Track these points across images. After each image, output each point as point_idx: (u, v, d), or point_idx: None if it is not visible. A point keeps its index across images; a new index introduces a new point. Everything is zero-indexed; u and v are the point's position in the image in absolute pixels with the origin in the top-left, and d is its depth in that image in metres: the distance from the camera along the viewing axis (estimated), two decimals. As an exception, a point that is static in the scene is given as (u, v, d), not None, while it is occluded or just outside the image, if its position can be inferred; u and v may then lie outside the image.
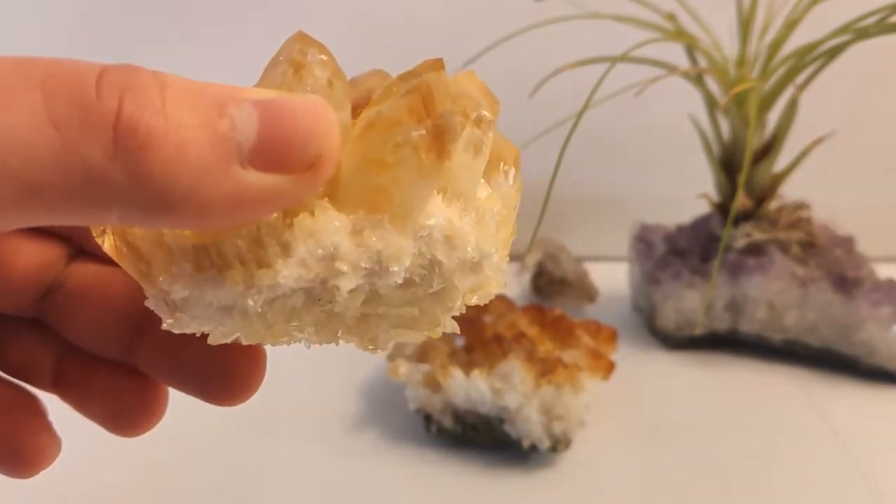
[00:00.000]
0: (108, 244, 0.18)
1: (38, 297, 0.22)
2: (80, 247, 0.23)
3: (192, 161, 0.14)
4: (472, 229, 0.18)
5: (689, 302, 0.49)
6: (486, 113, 0.18)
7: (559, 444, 0.39)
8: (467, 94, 0.18)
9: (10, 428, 0.21)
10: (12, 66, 0.14)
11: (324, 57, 0.17)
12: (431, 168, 0.16)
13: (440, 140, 0.16)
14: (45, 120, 0.14)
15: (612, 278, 0.57)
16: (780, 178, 0.49)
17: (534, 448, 0.39)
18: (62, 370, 0.22)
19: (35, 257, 0.22)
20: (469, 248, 0.18)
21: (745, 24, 0.48)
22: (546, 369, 0.39)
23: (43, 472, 0.22)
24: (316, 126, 0.15)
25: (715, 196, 0.51)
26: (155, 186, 0.14)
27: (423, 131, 0.16)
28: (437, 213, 0.17)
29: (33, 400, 0.22)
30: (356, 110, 0.17)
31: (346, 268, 0.17)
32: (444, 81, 0.17)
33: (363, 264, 0.17)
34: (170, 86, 0.15)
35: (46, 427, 0.22)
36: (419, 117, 0.16)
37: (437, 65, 0.17)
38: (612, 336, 0.45)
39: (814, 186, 0.52)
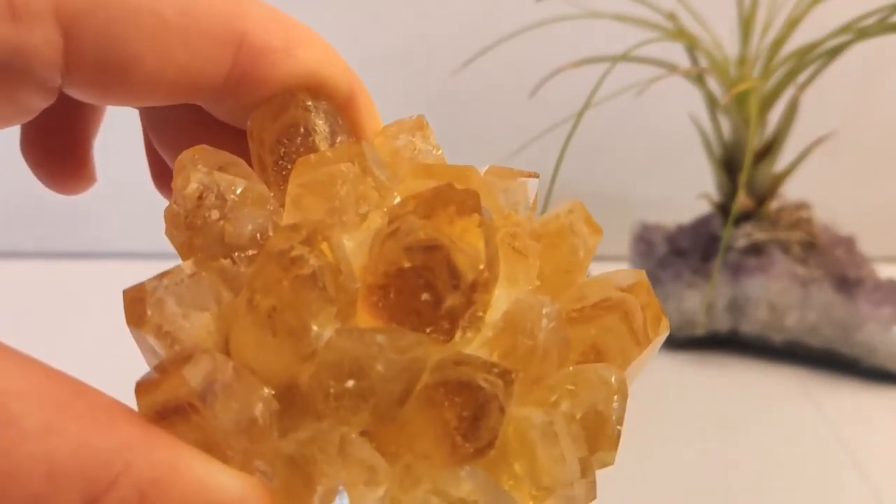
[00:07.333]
0: None
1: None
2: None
3: None
4: None
5: (689, 302, 0.49)
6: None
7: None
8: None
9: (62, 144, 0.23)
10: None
11: None
12: None
13: None
14: None
15: (613, 278, 0.56)
16: (780, 178, 0.49)
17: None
18: None
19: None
20: None
21: (745, 24, 0.48)
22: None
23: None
24: None
25: (716, 196, 0.51)
26: None
27: None
28: None
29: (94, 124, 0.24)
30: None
31: None
32: None
33: None
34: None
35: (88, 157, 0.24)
36: None
37: None
38: (613, 336, 0.45)
39: (815, 186, 0.52)
